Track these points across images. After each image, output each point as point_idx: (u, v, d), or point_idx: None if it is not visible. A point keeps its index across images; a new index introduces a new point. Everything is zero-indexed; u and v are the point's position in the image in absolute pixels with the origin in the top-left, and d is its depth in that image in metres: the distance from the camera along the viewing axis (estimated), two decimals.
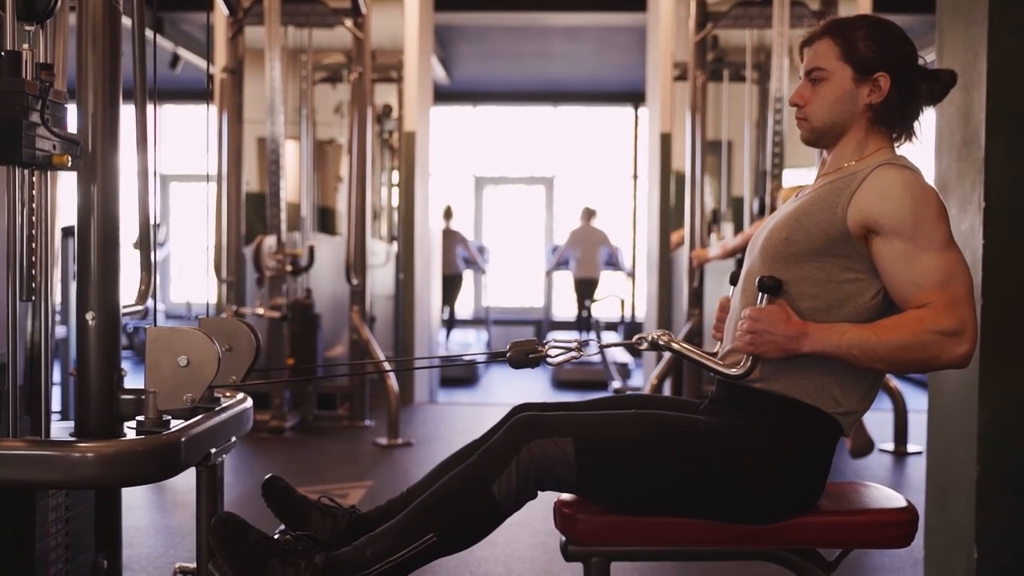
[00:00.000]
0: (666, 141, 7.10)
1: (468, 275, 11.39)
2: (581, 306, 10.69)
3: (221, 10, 6.24)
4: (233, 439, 2.06)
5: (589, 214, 10.98)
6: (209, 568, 1.94)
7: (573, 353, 2.05)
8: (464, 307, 12.26)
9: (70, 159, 1.84)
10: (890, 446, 5.34)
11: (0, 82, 1.76)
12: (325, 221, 8.63)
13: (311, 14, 6.28)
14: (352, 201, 6.27)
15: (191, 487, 2.03)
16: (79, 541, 2.08)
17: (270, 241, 6.02)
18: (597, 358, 8.00)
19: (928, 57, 2.03)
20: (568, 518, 1.92)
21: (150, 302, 2.27)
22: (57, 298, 4.84)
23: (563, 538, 1.95)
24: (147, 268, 2.32)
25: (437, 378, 7.85)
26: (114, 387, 1.91)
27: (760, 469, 1.88)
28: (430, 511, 1.89)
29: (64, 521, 2.01)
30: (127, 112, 2.03)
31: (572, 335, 11.01)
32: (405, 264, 7.21)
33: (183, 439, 1.80)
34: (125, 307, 2.06)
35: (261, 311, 5.82)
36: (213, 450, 1.95)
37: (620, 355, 8.87)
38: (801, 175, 7.35)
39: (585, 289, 10.76)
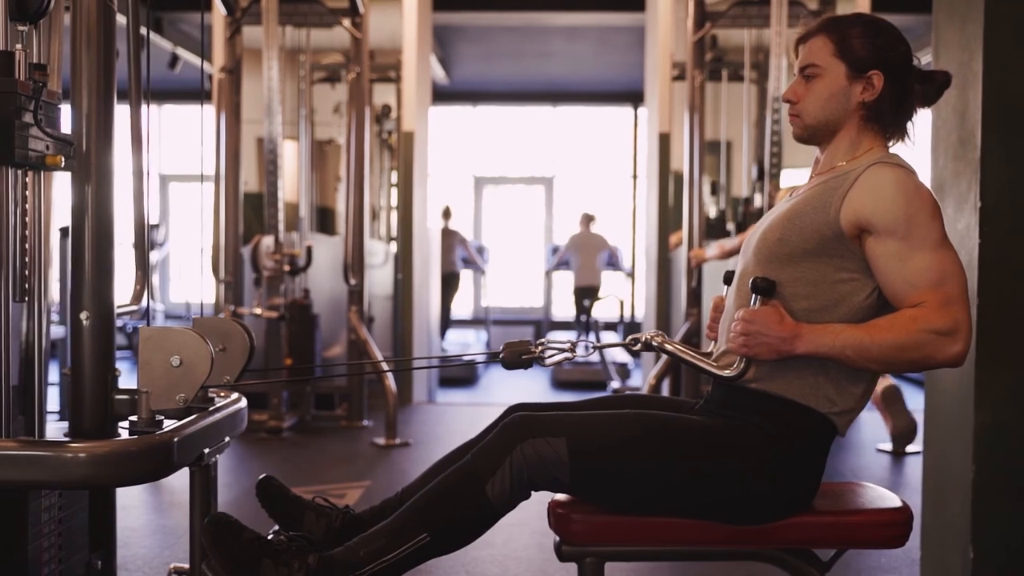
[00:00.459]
0: (665, 141, 7.10)
1: (466, 275, 11.38)
2: (580, 311, 10.64)
3: (219, 10, 6.24)
4: (227, 439, 2.06)
5: (588, 219, 10.94)
6: (203, 568, 1.93)
7: (567, 354, 2.04)
8: (463, 307, 12.26)
9: (63, 159, 1.84)
10: (888, 446, 5.34)
11: None
12: (323, 221, 8.62)
13: (309, 14, 6.27)
14: (350, 201, 6.26)
15: (187, 487, 2.03)
16: (72, 541, 2.07)
17: (268, 241, 6.01)
18: (596, 358, 8.00)
19: (924, 58, 2.03)
20: (562, 518, 1.92)
21: (145, 302, 2.27)
22: (55, 298, 4.85)
23: (557, 538, 1.95)
24: (143, 268, 2.32)
25: (436, 378, 7.85)
26: (108, 387, 1.91)
27: (755, 469, 1.88)
28: (424, 511, 1.88)
29: (57, 521, 2.01)
30: (123, 112, 2.03)
31: (571, 335, 11.01)
32: (404, 264, 7.21)
33: (176, 439, 1.80)
34: (120, 307, 2.06)
35: (259, 311, 5.81)
36: (206, 450, 1.95)
37: (619, 355, 8.86)
38: (801, 175, 7.34)
39: (585, 296, 10.70)
